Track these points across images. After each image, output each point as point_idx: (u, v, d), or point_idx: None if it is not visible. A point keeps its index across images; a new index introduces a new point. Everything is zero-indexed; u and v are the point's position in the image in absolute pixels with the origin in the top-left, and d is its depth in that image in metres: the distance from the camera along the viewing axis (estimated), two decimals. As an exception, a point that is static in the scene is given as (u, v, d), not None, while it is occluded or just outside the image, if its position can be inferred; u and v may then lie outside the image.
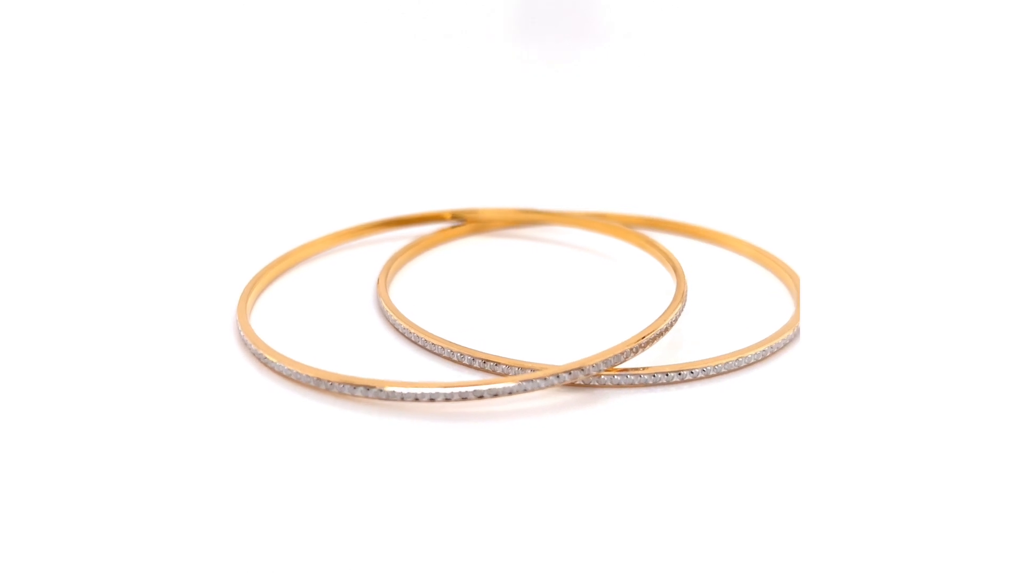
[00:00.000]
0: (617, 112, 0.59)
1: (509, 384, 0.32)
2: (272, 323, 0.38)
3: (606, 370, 0.34)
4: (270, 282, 0.41)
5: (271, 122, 0.57)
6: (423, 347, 0.36)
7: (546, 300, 0.40)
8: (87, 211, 0.47)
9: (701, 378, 0.34)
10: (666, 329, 0.35)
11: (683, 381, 0.34)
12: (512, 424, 0.33)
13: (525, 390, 0.32)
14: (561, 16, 0.61)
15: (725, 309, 0.39)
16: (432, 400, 0.32)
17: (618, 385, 0.34)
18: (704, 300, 0.40)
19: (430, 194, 0.49)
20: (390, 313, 0.37)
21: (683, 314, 0.37)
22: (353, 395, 0.33)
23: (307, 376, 0.33)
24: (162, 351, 0.36)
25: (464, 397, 0.32)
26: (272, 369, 0.35)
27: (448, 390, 0.32)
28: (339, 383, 0.33)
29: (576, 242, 0.45)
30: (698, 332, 0.38)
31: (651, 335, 0.34)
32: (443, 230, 0.45)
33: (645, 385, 0.34)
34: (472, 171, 0.53)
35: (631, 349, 0.34)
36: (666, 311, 0.36)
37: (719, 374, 0.35)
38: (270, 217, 0.47)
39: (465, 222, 0.45)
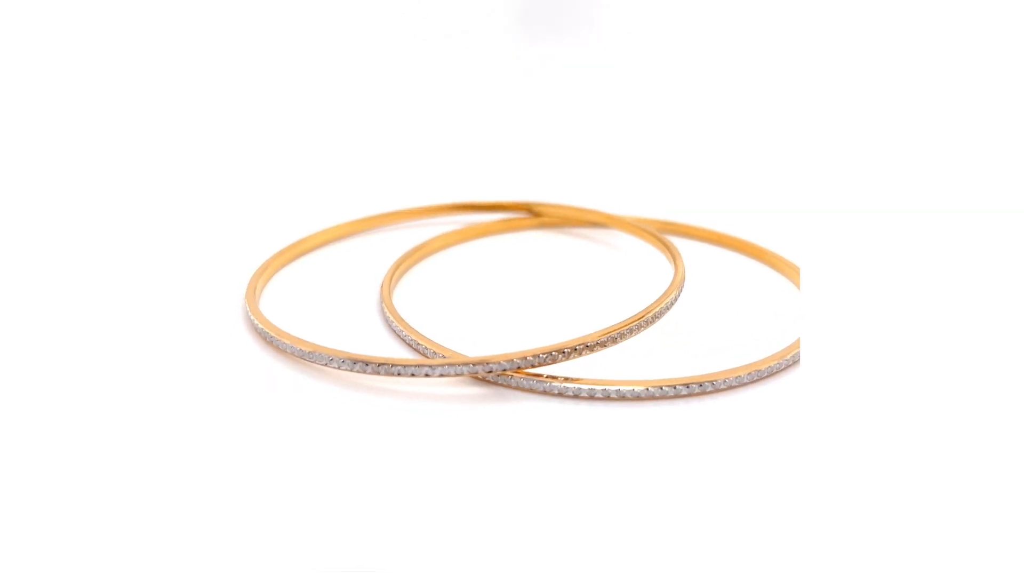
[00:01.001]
0: (616, 110, 0.59)
1: (407, 366, 0.33)
2: (282, 299, 0.40)
3: (514, 371, 0.33)
4: (277, 269, 0.42)
5: (266, 120, 0.59)
6: (393, 330, 0.37)
7: (555, 301, 0.40)
8: (117, 198, 0.49)
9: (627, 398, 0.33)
10: (600, 344, 0.34)
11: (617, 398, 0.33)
12: (403, 404, 0.33)
13: (412, 374, 0.33)
14: (562, 15, 0.62)
15: (727, 326, 0.38)
16: (342, 368, 0.34)
17: (523, 388, 0.34)
18: (716, 312, 0.39)
19: (431, 192, 0.49)
20: (384, 302, 0.38)
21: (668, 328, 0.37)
22: (282, 348, 0.35)
23: (262, 328, 0.36)
24: (189, 324, 0.38)
25: (363, 371, 0.33)
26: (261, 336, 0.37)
27: (359, 363, 0.33)
28: (271, 334, 0.35)
29: (619, 245, 0.45)
30: (688, 343, 0.37)
31: (570, 347, 0.34)
32: (446, 233, 0.45)
33: (563, 395, 0.33)
34: (472, 170, 0.53)
35: (548, 354, 0.33)
36: (608, 328, 0.35)
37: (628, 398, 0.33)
38: (267, 214, 0.48)
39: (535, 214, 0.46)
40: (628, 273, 0.43)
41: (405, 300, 0.40)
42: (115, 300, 0.39)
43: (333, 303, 0.40)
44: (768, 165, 0.52)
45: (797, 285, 0.41)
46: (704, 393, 0.33)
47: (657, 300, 0.36)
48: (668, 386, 0.33)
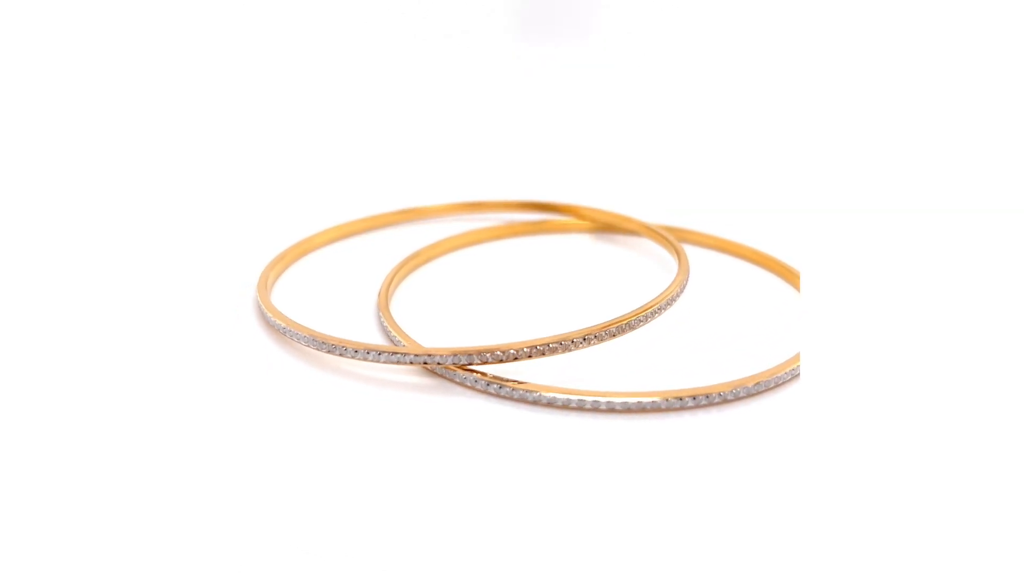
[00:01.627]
0: (614, 109, 0.60)
1: (357, 350, 0.34)
2: (296, 286, 0.42)
3: (457, 365, 0.34)
4: (293, 260, 0.44)
5: (263, 121, 0.60)
6: (379, 320, 0.39)
7: (559, 303, 0.41)
8: (146, 194, 0.51)
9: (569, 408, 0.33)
10: (551, 349, 0.34)
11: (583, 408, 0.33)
12: (355, 385, 0.35)
13: (363, 358, 0.34)
14: (561, 15, 0.63)
15: (725, 333, 0.38)
16: (307, 345, 0.35)
17: (465, 384, 0.34)
18: (715, 319, 0.39)
19: (429, 192, 0.50)
20: (380, 295, 0.40)
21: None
22: (270, 324, 0.37)
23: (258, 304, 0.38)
24: (207, 315, 0.40)
25: (318, 348, 0.35)
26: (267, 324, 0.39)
27: (315, 339, 0.35)
28: (264, 310, 0.37)
29: (634, 248, 0.46)
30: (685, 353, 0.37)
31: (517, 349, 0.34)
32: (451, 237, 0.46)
33: (509, 398, 0.34)
34: (472, 168, 0.54)
35: (491, 353, 0.33)
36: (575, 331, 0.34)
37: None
38: (274, 214, 0.50)
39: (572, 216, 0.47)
40: (640, 278, 0.43)
41: (411, 295, 0.41)
42: (142, 290, 0.41)
43: (342, 293, 0.41)
44: (768, 166, 0.52)
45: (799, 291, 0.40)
46: (660, 410, 0.33)
47: (632, 313, 0.35)
48: (599, 398, 0.32)
